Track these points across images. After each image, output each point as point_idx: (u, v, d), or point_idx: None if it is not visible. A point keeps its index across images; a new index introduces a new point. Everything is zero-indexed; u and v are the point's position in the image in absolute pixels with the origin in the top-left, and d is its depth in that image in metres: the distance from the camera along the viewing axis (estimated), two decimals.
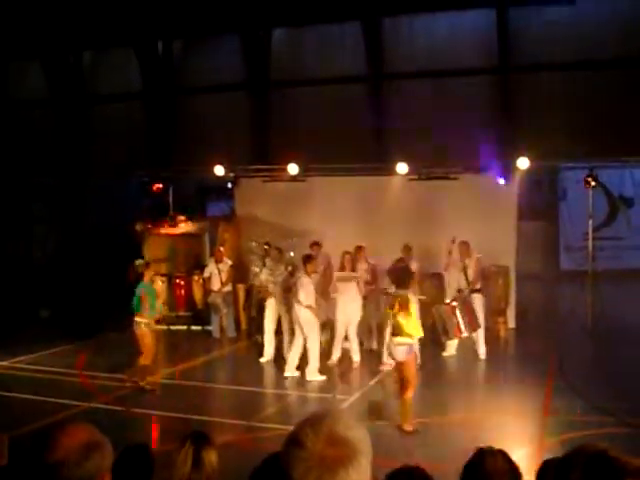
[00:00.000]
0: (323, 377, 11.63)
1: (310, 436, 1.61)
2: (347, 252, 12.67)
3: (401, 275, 9.68)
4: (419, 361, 11.14)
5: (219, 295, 14.80)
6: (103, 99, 22.39)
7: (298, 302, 11.62)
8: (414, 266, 12.77)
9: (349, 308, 12.47)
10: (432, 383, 11.37)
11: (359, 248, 13.01)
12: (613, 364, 12.12)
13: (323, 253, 13.33)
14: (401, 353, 8.93)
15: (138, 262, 13.13)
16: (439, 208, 14.97)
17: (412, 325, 8.94)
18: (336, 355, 12.69)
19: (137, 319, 11.08)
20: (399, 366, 9.10)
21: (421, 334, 9.24)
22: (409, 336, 8.90)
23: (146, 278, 11.32)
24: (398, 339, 8.92)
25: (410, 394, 8.98)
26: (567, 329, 14.89)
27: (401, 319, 8.86)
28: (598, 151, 16.21)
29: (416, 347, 9.70)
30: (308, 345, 11.62)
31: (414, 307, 9.48)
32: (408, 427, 8.89)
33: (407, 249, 13.10)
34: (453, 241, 13.06)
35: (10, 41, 19.91)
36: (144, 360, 11.10)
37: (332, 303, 12.76)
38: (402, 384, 8.99)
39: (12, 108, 22.68)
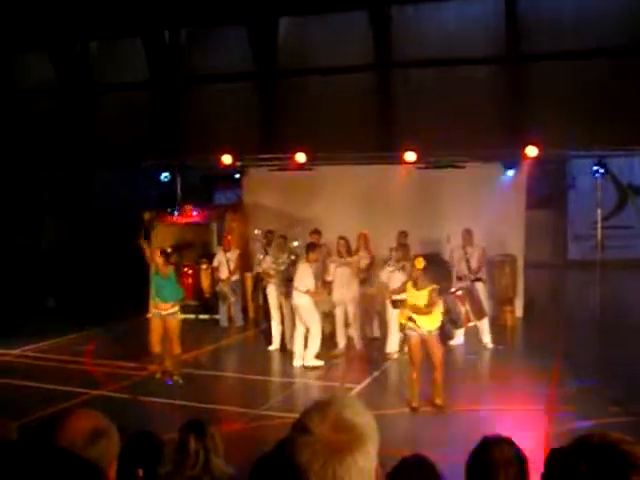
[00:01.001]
0: (321, 362, 11.65)
1: (316, 422, 1.60)
2: (342, 237, 12.67)
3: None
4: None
5: (227, 284, 14.81)
6: (110, 89, 22.38)
7: (294, 288, 11.62)
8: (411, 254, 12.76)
9: (344, 291, 12.43)
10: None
11: (360, 235, 13.02)
12: (621, 354, 12.07)
13: (322, 241, 13.33)
14: None
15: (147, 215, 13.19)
16: (447, 197, 14.95)
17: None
18: (341, 342, 12.70)
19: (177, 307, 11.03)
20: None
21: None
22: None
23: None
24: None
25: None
26: (575, 318, 14.86)
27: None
28: (607, 139, 16.12)
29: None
30: (310, 331, 11.63)
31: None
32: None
33: (403, 235, 13.04)
34: (448, 240, 13.07)
35: (17, 32, 19.90)
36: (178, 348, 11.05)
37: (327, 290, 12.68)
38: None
39: (19, 99, 22.70)
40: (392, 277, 11.48)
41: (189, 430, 4.31)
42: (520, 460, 3.07)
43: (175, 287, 11.12)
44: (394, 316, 11.83)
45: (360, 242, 12.98)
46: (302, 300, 11.57)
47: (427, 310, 9.27)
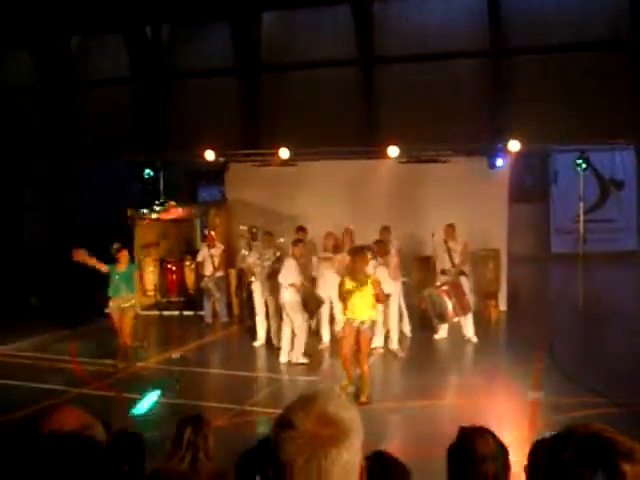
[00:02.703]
0: (307, 360, 11.65)
1: (300, 416, 1.60)
2: (329, 232, 12.69)
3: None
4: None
5: (211, 280, 14.78)
6: (92, 85, 22.22)
7: (280, 283, 11.62)
8: (394, 247, 12.78)
9: (329, 286, 12.44)
10: (423, 366, 11.40)
11: (346, 230, 13.03)
12: (604, 346, 12.18)
13: (308, 238, 13.33)
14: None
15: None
16: (430, 191, 14.99)
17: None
18: (326, 337, 12.70)
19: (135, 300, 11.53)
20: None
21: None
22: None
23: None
24: None
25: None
26: (558, 311, 14.96)
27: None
28: (589, 134, 16.22)
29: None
30: (295, 328, 11.64)
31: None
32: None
33: (386, 231, 13.08)
34: (433, 236, 13.11)
35: None
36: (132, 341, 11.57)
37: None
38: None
39: (0, 95, 22.51)
40: (376, 272, 11.45)
41: (187, 422, 4.34)
42: (502, 452, 3.08)
43: (131, 281, 11.62)
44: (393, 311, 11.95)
45: (345, 237, 12.99)
46: (287, 295, 11.57)
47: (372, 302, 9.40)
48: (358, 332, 9.47)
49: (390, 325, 12.25)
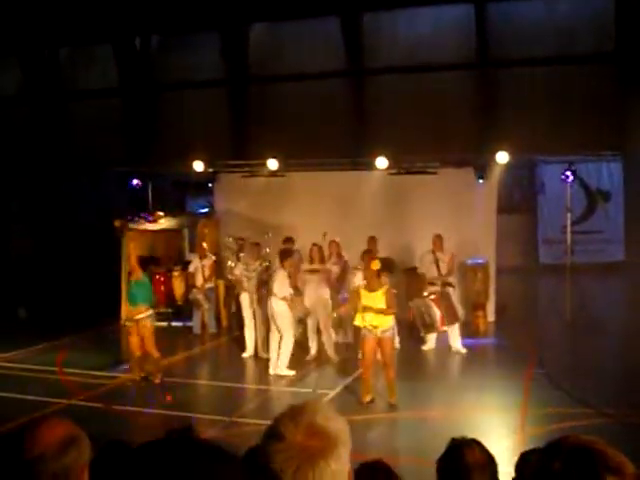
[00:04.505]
0: (292, 372, 11.64)
1: (289, 427, 1.61)
2: (315, 244, 12.70)
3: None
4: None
5: (200, 291, 14.75)
6: (80, 95, 22.20)
7: (273, 295, 11.61)
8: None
9: (314, 299, 12.44)
10: (412, 376, 11.40)
11: (332, 242, 13.05)
12: (592, 356, 12.21)
13: (295, 248, 13.33)
14: None
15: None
16: (418, 203, 15.02)
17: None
18: (313, 349, 12.69)
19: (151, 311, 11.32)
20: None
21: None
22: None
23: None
24: None
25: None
26: (547, 322, 15.00)
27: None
28: (576, 145, 16.31)
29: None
30: (282, 340, 11.63)
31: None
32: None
33: (373, 241, 13.12)
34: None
35: None
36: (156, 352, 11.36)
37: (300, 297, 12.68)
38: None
39: None
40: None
41: (175, 434, 4.27)
42: (491, 463, 3.09)
43: (148, 292, 11.35)
44: None
45: (331, 249, 13.01)
46: (278, 306, 11.56)
47: (383, 311, 9.48)
48: (380, 341, 9.64)
49: None
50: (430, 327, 12.02)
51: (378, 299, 9.52)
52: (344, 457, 1.62)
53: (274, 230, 14.22)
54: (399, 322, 12.93)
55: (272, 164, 15.42)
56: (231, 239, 14.22)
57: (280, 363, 11.62)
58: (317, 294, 12.48)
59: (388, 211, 15.04)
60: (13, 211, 22.17)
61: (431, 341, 12.91)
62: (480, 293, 14.48)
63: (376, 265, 9.63)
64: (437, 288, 12.56)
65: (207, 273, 14.81)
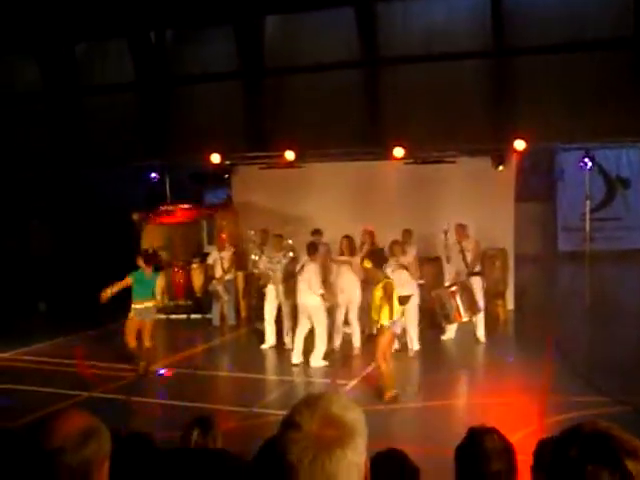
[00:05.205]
0: (326, 363, 11.65)
1: (305, 417, 1.61)
2: (345, 236, 12.65)
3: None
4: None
5: (220, 283, 14.79)
6: (96, 90, 22.29)
7: (309, 289, 11.51)
8: (413, 251, 12.82)
9: (346, 291, 12.45)
10: (432, 367, 11.41)
11: (365, 231, 12.98)
12: (611, 344, 12.15)
13: (323, 241, 13.29)
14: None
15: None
16: (436, 192, 14.98)
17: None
18: (337, 340, 12.69)
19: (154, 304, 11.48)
20: None
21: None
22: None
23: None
24: None
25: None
26: (566, 310, 14.93)
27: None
28: (595, 132, 16.18)
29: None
30: (317, 332, 11.60)
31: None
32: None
33: (408, 234, 13.11)
34: (445, 233, 13.00)
35: (1, 34, 19.79)
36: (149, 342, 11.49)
37: (332, 289, 12.69)
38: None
39: (5, 102, 22.57)
40: (395, 274, 11.21)
41: (195, 424, 4.32)
42: (509, 450, 3.09)
43: (152, 287, 11.45)
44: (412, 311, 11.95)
45: (364, 238, 12.93)
46: (312, 300, 11.55)
47: (383, 303, 9.37)
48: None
49: (409, 325, 12.15)
50: (447, 318, 12.02)
51: (376, 294, 9.44)
52: (360, 447, 1.62)
53: (293, 221, 14.23)
54: (420, 312, 12.80)
55: (289, 155, 15.44)
56: (253, 232, 14.20)
57: (316, 354, 11.62)
58: (347, 286, 12.47)
59: (405, 200, 15.01)
60: (31, 205, 22.32)
61: (451, 331, 12.89)
62: (499, 281, 14.44)
63: (368, 264, 9.62)
64: (461, 278, 12.49)
65: (226, 265, 14.84)
